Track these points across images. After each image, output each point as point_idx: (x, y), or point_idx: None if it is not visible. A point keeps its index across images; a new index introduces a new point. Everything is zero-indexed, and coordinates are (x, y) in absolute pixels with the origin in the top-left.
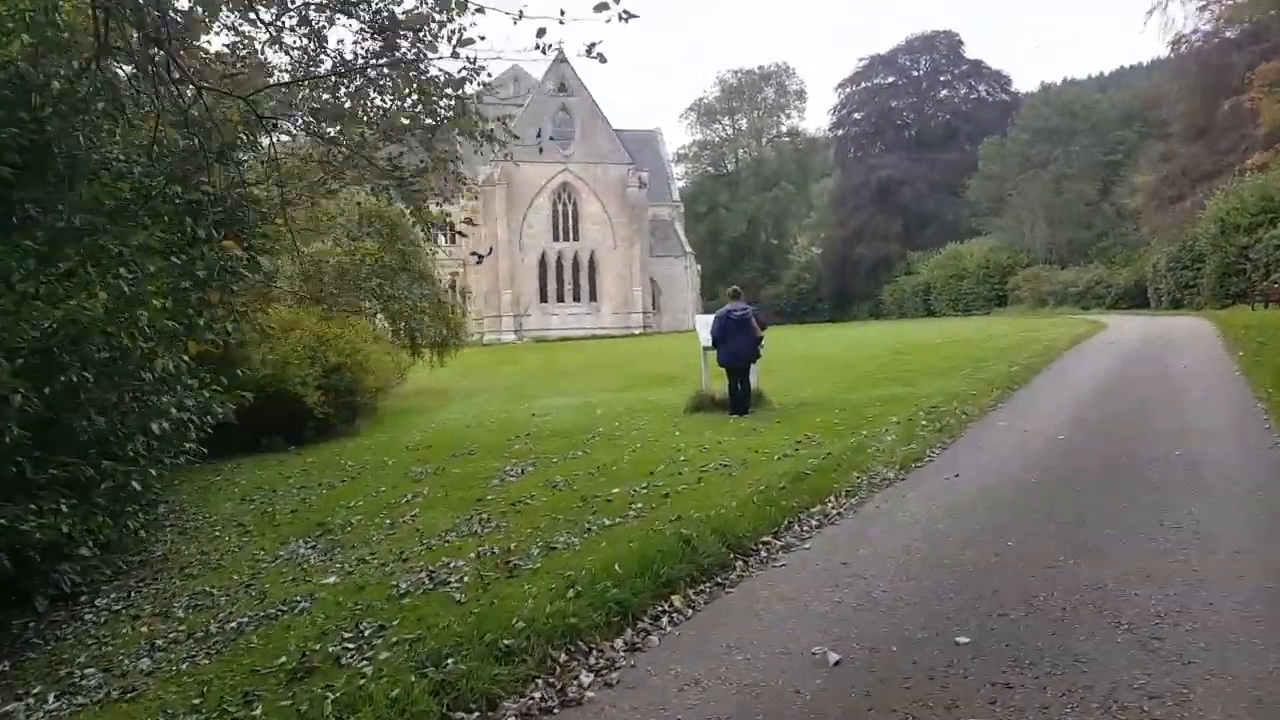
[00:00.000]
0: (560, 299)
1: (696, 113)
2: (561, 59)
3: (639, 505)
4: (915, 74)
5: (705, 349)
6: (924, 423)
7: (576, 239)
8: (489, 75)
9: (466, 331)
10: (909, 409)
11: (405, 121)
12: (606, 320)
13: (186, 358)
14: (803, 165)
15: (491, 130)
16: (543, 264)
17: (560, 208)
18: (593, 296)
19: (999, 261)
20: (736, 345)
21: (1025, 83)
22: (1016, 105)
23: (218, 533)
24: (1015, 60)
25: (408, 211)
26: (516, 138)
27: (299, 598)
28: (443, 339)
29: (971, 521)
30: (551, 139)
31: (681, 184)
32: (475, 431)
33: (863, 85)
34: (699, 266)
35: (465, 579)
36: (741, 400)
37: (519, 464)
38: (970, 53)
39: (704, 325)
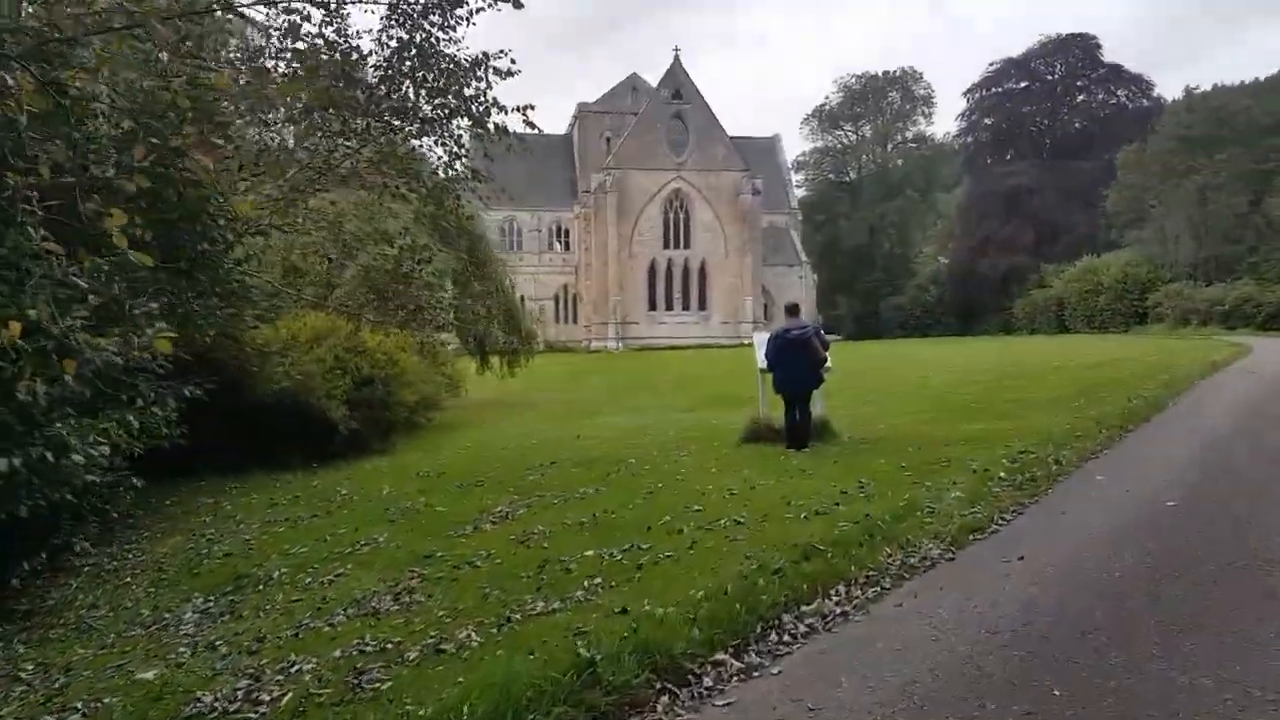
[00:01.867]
0: (669, 307)
1: (818, 119)
2: (678, 66)
3: (599, 580)
4: (1049, 78)
5: (761, 371)
6: (1002, 475)
7: (687, 246)
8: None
9: (540, 341)
10: (994, 452)
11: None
12: (716, 329)
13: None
14: (929, 173)
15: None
16: (652, 271)
17: (672, 215)
18: (702, 305)
19: (1138, 276)
20: (795, 369)
21: (1169, 88)
22: (1159, 112)
23: (129, 579)
24: (1162, 64)
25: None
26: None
27: (90, 699)
28: (513, 348)
29: (1016, 644)
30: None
31: (801, 192)
32: (503, 455)
33: (993, 90)
34: (814, 276)
35: (283, 701)
36: (800, 432)
37: (515, 503)
38: (1109, 56)
39: (761, 344)
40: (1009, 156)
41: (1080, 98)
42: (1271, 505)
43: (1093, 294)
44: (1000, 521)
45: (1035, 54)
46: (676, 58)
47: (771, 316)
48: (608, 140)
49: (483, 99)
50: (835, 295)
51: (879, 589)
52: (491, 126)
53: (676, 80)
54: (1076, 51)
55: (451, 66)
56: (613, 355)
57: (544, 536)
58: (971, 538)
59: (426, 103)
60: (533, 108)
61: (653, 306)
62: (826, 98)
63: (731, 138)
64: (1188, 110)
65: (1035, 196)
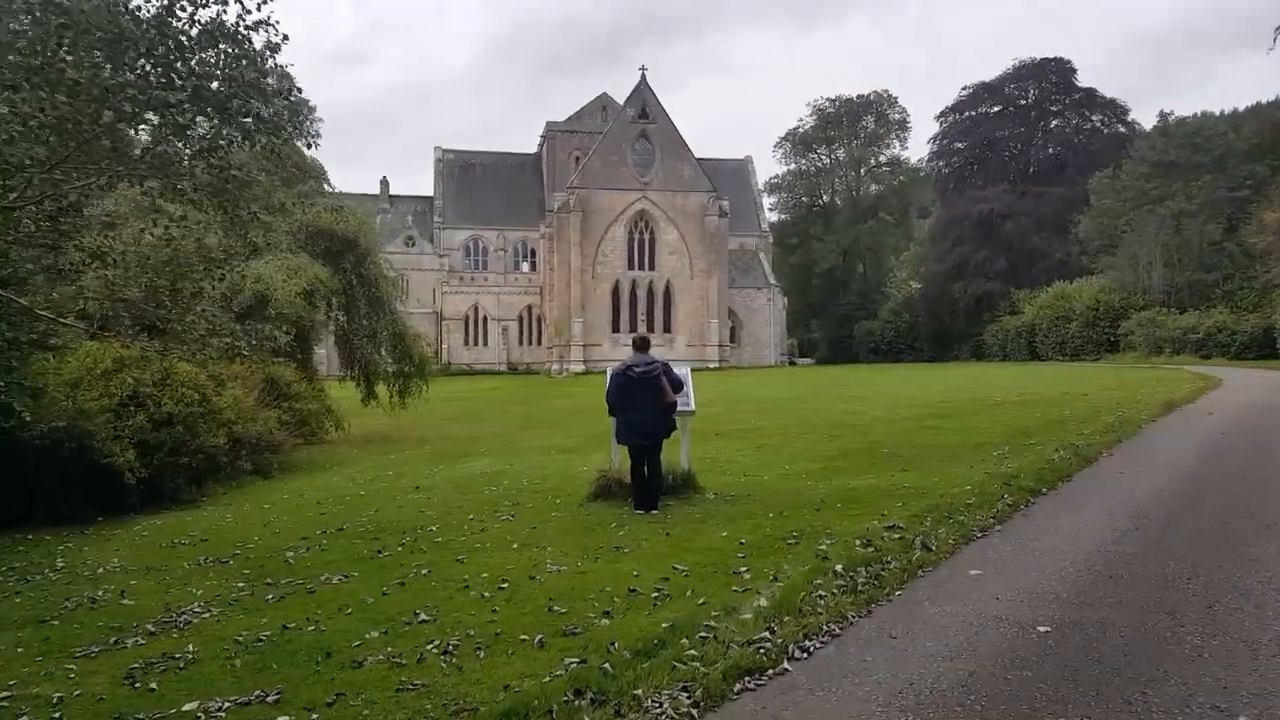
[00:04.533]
0: (634, 329)
1: (791, 142)
2: (644, 85)
3: None
4: (1022, 103)
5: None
6: (842, 567)
7: (652, 268)
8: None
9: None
10: (861, 524)
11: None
12: (681, 352)
13: None
14: (903, 197)
15: None
16: (616, 293)
17: (637, 236)
18: (667, 328)
19: (1110, 303)
20: (640, 415)
21: (1145, 114)
22: (1133, 137)
23: None
24: (1143, 92)
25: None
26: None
27: None
28: (405, 375)
29: None
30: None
31: (773, 215)
32: (299, 517)
33: (966, 115)
34: (785, 299)
35: None
36: (648, 491)
37: (224, 598)
38: (1088, 83)
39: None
40: (981, 182)
41: (1054, 122)
42: (1174, 654)
43: (1064, 321)
44: (794, 657)
45: (1009, 78)
46: (643, 76)
47: (739, 341)
48: (576, 159)
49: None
50: (809, 319)
51: None
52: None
53: (642, 99)
54: (1051, 76)
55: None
56: (556, 381)
57: (170, 669)
58: (736, 689)
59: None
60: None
61: (616, 329)
62: (800, 120)
63: (701, 159)
64: (1163, 135)
65: (1008, 222)
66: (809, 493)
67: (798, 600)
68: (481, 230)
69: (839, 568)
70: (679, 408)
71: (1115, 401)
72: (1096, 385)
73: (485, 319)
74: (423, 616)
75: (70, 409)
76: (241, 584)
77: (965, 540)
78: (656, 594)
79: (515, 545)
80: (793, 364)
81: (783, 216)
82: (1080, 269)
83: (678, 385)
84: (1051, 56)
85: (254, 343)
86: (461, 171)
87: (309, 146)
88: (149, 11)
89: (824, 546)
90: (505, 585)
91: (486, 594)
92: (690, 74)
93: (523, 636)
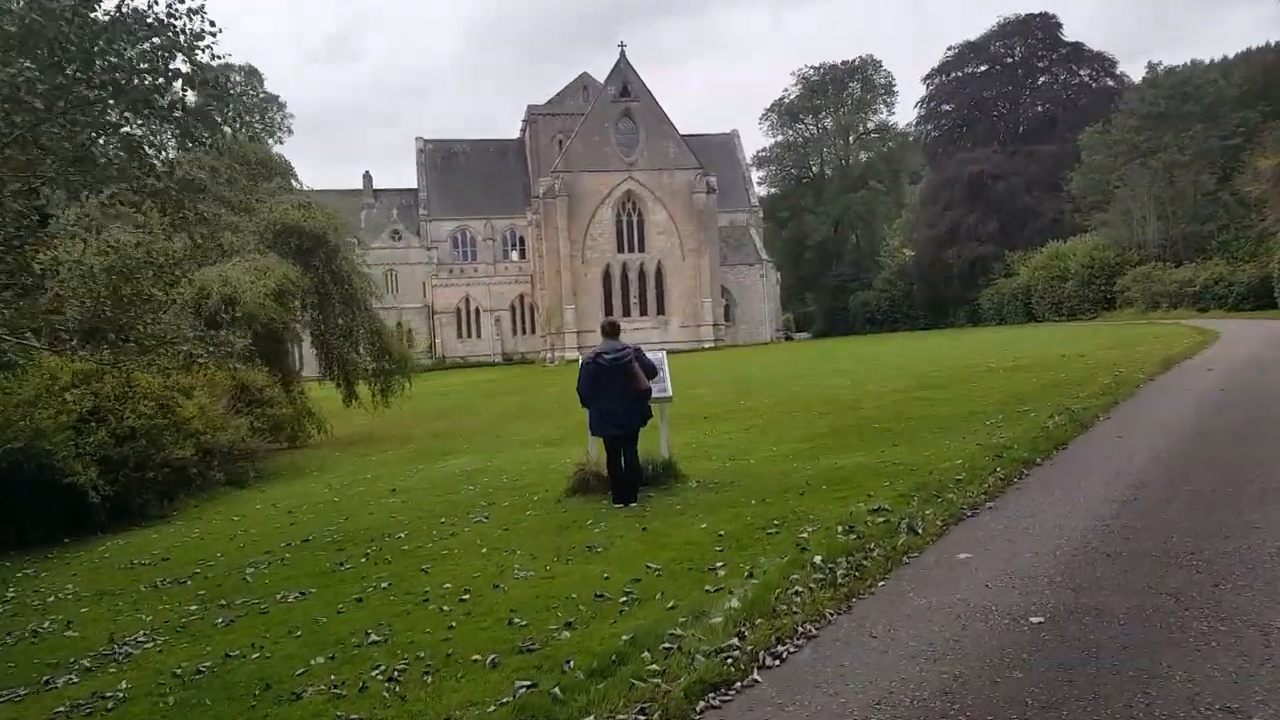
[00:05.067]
0: (626, 313)
1: (777, 113)
2: (624, 63)
3: None
4: (1009, 61)
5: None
6: (822, 558)
7: (642, 250)
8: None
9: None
10: (845, 507)
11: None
12: (675, 334)
13: None
14: (893, 163)
15: None
16: (607, 277)
17: (624, 217)
18: (660, 310)
19: (1106, 260)
20: (613, 405)
21: (1134, 68)
22: (1122, 90)
23: None
24: (1130, 49)
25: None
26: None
27: None
28: (385, 373)
29: None
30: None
31: (762, 189)
32: (269, 528)
33: (952, 75)
34: (778, 275)
35: None
36: (625, 484)
37: (171, 624)
38: (1079, 38)
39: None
40: (970, 143)
41: (1041, 79)
42: (1178, 644)
43: (1059, 280)
44: (765, 665)
45: (995, 36)
46: (622, 53)
47: (734, 319)
48: (560, 143)
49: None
50: (804, 292)
51: None
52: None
53: (623, 77)
54: (1037, 32)
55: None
56: (549, 370)
57: (97, 712)
58: (699, 707)
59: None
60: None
61: (609, 313)
62: (785, 91)
63: (686, 135)
64: (1152, 86)
65: (999, 183)
66: (795, 475)
67: (772, 599)
68: (468, 220)
69: (818, 559)
70: (655, 394)
71: (1112, 361)
72: (1093, 345)
73: (477, 310)
74: (374, 637)
75: (28, 429)
76: (194, 606)
77: (954, 520)
78: (625, 598)
79: (484, 550)
80: (789, 339)
81: (772, 190)
82: (1074, 227)
83: (651, 371)
84: (1036, 12)
85: (210, 349)
86: (444, 161)
87: (279, 142)
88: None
89: (805, 534)
90: (467, 596)
91: (446, 607)
92: (680, 53)
93: (476, 656)
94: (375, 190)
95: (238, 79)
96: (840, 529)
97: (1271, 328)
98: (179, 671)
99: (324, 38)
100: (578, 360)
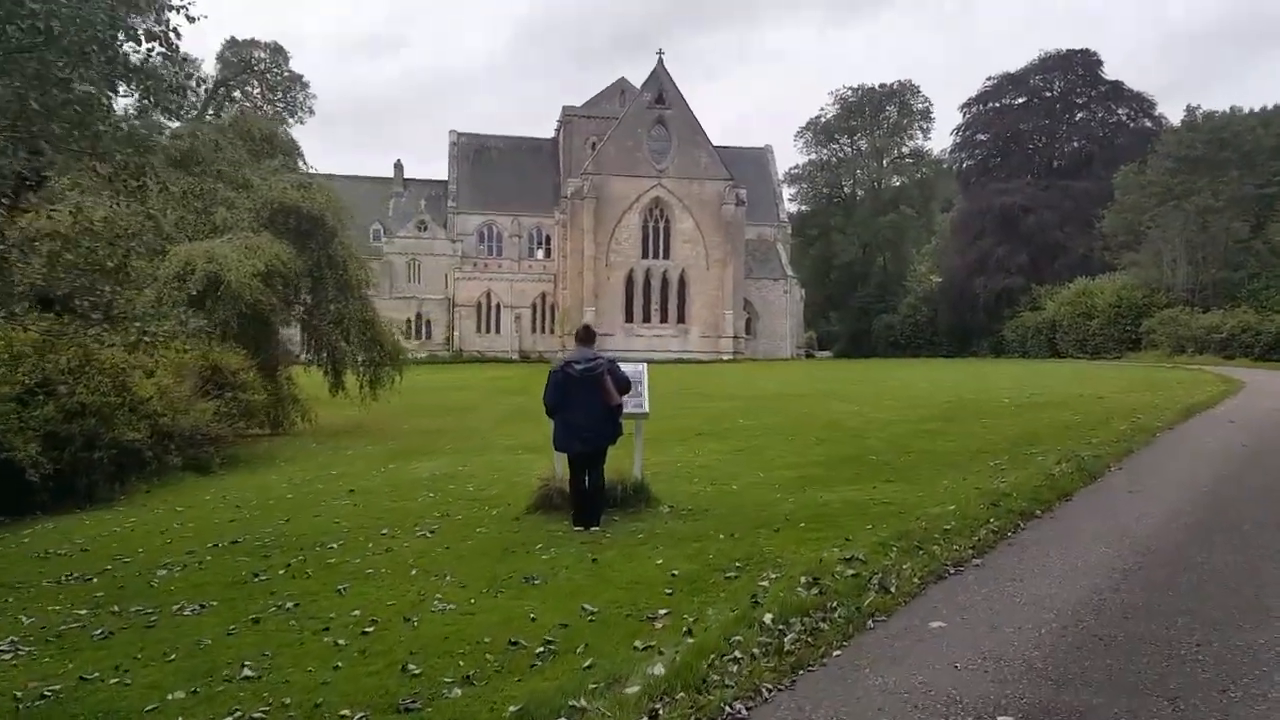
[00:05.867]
0: (647, 319)
1: (812, 131)
2: (661, 70)
3: None
4: (1048, 95)
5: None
6: (789, 608)
7: (667, 257)
8: None
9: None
10: (818, 552)
11: None
12: (695, 343)
13: None
14: (926, 189)
15: None
16: (630, 282)
17: (651, 224)
18: (681, 318)
19: (1133, 301)
20: (581, 419)
21: (1173, 110)
22: (1160, 132)
23: None
24: (1170, 90)
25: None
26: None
27: None
28: (375, 364)
29: None
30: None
31: (793, 206)
32: (209, 521)
33: (990, 105)
34: (802, 291)
35: None
36: (588, 506)
37: (45, 635)
38: (1110, 74)
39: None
40: (1004, 174)
41: (1079, 115)
42: None
43: (1085, 317)
44: None
45: (1035, 69)
46: (660, 61)
47: (755, 332)
48: (593, 145)
49: None
50: (829, 311)
51: None
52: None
53: (659, 84)
54: (1077, 68)
55: None
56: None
57: None
58: None
59: None
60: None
61: (629, 318)
62: (822, 110)
63: (719, 147)
64: (1189, 130)
65: (1031, 216)
66: (774, 508)
67: (704, 666)
68: (496, 215)
69: (769, 618)
70: (631, 409)
71: (1131, 406)
72: (1114, 386)
73: (498, 306)
74: (248, 671)
75: None
76: (85, 611)
77: (935, 577)
78: (543, 649)
79: (414, 572)
80: (810, 356)
81: (803, 207)
82: (1103, 265)
83: (625, 385)
84: (1078, 48)
85: (170, 327)
86: (476, 155)
87: (300, 123)
88: None
89: (766, 582)
90: (371, 629)
91: (343, 641)
92: (724, 66)
93: (345, 712)
94: (405, 180)
95: (261, 55)
96: (805, 579)
97: None
98: (19, 695)
99: (369, 29)
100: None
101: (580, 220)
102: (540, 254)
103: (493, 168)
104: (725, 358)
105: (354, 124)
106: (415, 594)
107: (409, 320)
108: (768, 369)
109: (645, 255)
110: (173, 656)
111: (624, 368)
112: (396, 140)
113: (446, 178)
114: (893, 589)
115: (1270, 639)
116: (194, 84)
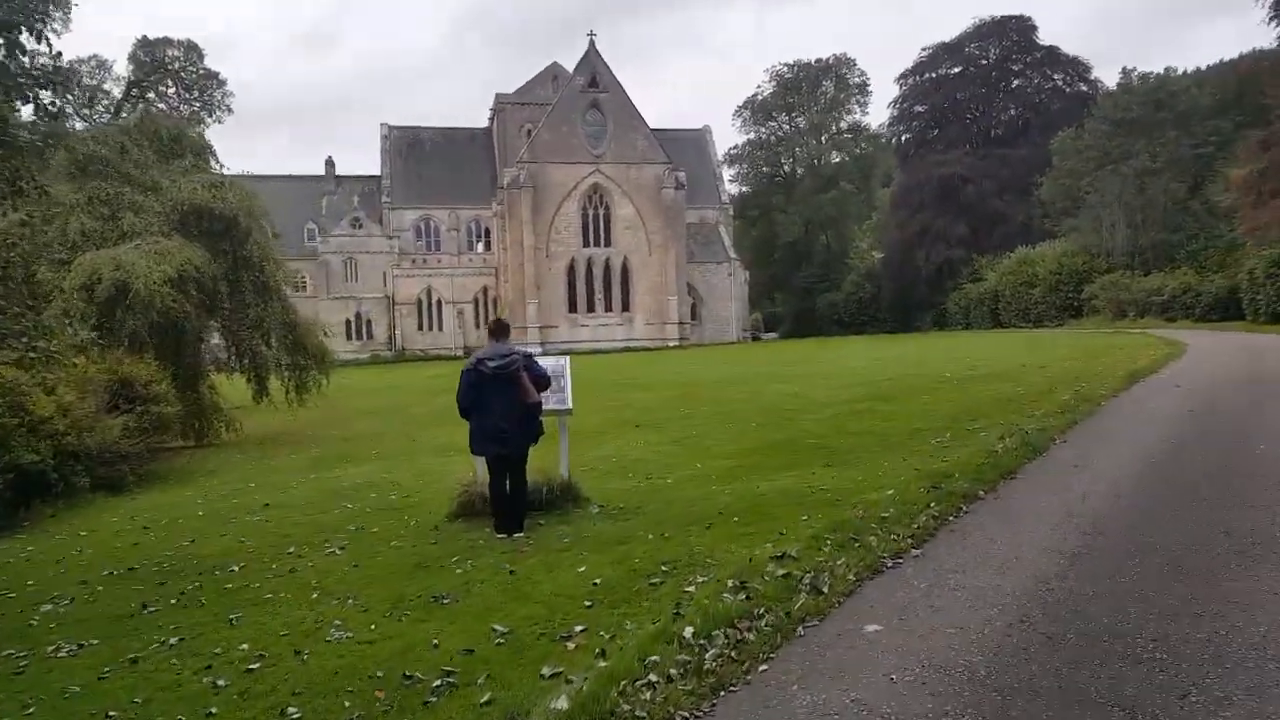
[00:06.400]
0: (590, 309)
1: (750, 110)
2: (593, 53)
3: None
4: (983, 63)
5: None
6: (714, 618)
7: (608, 244)
8: None
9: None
10: (752, 550)
11: None
12: (640, 331)
13: None
14: (865, 164)
15: None
16: (571, 271)
17: (591, 211)
18: (625, 306)
19: (1074, 267)
20: (498, 419)
21: (1109, 74)
22: (1096, 96)
23: None
24: (1107, 57)
25: None
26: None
27: None
28: (300, 368)
29: None
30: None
31: (734, 187)
32: (109, 546)
33: (926, 76)
34: (746, 273)
35: None
36: (509, 511)
37: None
38: (1046, 38)
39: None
40: (942, 145)
41: (1016, 82)
42: None
43: (1027, 286)
44: None
45: (970, 37)
46: (591, 43)
47: (700, 318)
48: (528, 133)
49: None
50: (773, 292)
51: None
52: None
53: (592, 67)
54: (1012, 35)
55: None
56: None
57: None
58: None
59: None
60: None
61: (573, 309)
62: (759, 87)
63: (657, 130)
64: (1125, 93)
65: (970, 186)
66: (709, 502)
67: (614, 695)
68: (432, 210)
69: (689, 631)
70: (553, 405)
71: (1074, 374)
72: (1057, 354)
73: (439, 302)
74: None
75: None
76: None
77: (871, 572)
78: (440, 682)
79: (315, 595)
80: (756, 339)
81: (743, 188)
82: (1043, 232)
83: (544, 381)
84: (1012, 14)
85: (55, 345)
86: (409, 148)
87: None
88: None
89: (691, 588)
90: (257, 665)
91: (223, 681)
92: (661, 51)
93: None
94: (337, 176)
95: (175, 54)
96: (731, 584)
97: (1239, 340)
98: None
99: (304, 25)
100: (540, 355)
101: (518, 210)
102: (480, 247)
103: (427, 160)
104: (671, 344)
105: (293, 124)
106: (312, 621)
107: (348, 320)
108: (712, 354)
109: (586, 244)
110: (31, 709)
111: (545, 361)
112: (335, 139)
113: (379, 173)
114: (825, 589)
115: (1230, 627)
116: (105, 88)
